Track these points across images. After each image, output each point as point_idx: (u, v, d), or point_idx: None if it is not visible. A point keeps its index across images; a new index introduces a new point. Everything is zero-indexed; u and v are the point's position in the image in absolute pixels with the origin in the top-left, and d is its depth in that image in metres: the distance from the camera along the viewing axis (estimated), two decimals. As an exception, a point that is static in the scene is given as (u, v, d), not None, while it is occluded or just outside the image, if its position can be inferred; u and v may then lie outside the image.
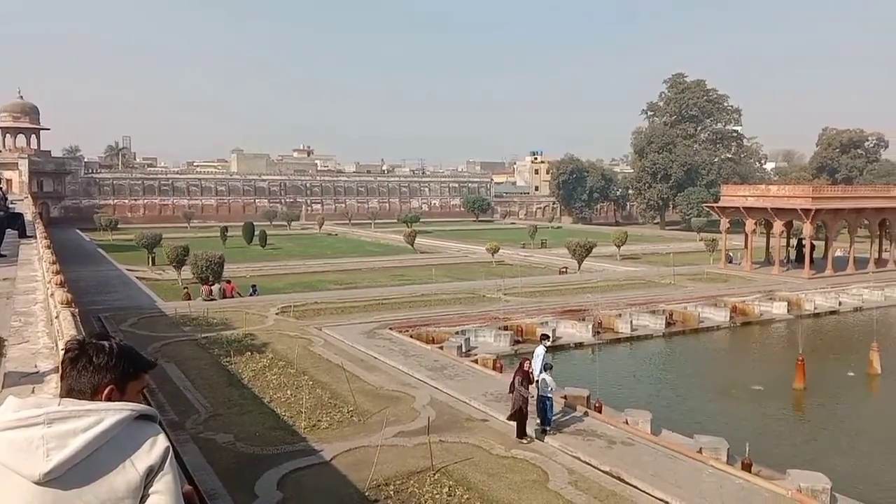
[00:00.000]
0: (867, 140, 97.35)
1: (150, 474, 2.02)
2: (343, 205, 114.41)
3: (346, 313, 28.32)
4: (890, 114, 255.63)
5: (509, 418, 14.42)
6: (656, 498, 11.62)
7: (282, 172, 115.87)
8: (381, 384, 18.07)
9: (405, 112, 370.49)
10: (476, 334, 25.62)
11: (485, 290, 34.59)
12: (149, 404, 2.25)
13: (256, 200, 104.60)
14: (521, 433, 14.19)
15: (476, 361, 21.46)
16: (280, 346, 22.21)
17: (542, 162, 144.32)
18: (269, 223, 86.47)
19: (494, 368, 20.76)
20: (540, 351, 14.67)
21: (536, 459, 13.17)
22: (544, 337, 15.32)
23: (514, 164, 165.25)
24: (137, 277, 38.44)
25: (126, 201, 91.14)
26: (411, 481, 12.10)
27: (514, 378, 14.38)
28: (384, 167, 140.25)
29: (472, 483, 12.05)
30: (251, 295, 32.95)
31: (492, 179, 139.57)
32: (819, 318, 33.53)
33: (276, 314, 27.81)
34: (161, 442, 2.08)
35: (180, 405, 16.12)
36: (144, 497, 2.02)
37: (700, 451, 13.85)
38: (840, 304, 35.40)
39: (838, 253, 47.18)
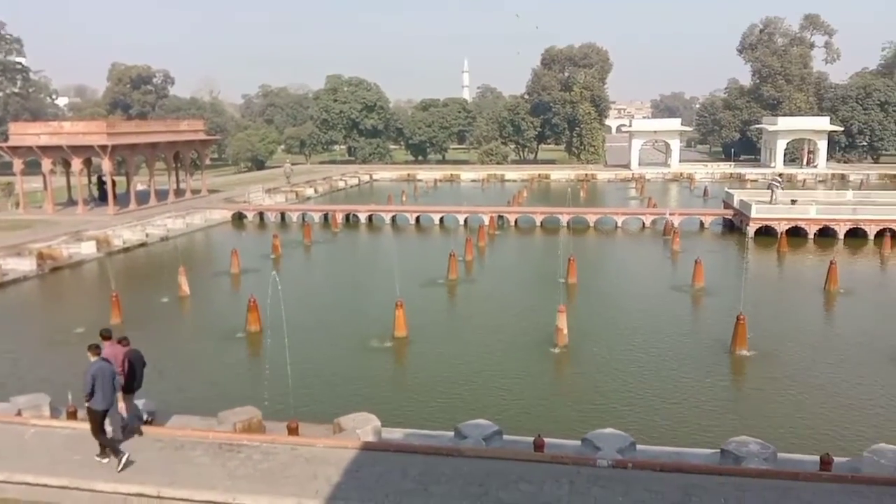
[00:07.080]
0: (155, 76, 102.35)
1: None
2: None
3: None
4: (175, 51, 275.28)
5: None
6: (-29, 480, 10.36)
7: None
8: None
9: None
10: None
11: None
12: None
13: None
14: None
15: None
16: None
17: None
18: None
19: None
20: None
21: None
22: None
23: None
24: None
25: None
26: None
27: None
28: None
29: None
30: None
31: None
32: (129, 252, 34.71)
33: None
34: None
35: None
36: None
37: (20, 413, 12.89)
38: (147, 235, 37.40)
39: (141, 187, 49.32)
